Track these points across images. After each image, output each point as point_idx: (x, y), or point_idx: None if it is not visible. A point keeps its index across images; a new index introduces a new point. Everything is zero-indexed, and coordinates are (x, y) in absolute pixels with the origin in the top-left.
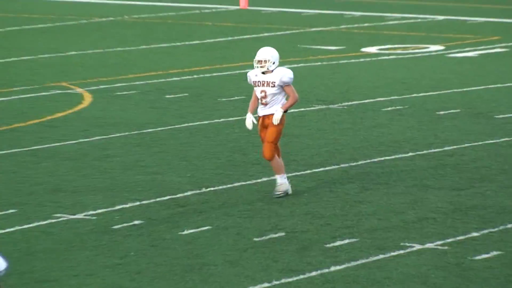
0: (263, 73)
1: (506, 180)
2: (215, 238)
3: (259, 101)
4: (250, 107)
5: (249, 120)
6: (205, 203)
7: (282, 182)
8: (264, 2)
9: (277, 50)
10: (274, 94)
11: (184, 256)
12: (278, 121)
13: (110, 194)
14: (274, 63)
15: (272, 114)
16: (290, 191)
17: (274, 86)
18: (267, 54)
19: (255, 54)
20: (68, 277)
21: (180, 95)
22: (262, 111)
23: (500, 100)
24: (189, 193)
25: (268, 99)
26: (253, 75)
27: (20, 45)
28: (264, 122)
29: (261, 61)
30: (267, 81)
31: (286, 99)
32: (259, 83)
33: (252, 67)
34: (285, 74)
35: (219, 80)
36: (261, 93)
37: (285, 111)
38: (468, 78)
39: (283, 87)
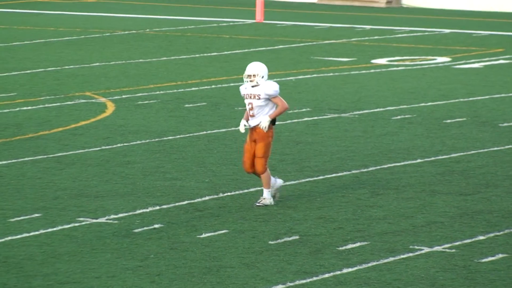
0: (252, 86)
1: (511, 185)
2: (232, 241)
3: (248, 112)
4: (245, 115)
5: (241, 124)
6: (222, 208)
7: (267, 197)
8: (279, 16)
9: (292, 61)
10: (260, 106)
11: (202, 258)
12: (266, 128)
13: (131, 199)
14: (263, 77)
15: (259, 126)
16: (272, 203)
17: (259, 98)
18: (256, 68)
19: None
20: (90, 279)
21: (199, 104)
22: (250, 122)
23: (505, 109)
24: (207, 198)
25: (254, 111)
26: (243, 88)
27: (46, 57)
28: (252, 134)
29: (250, 75)
30: (253, 94)
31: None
32: (247, 96)
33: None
34: (269, 87)
35: (235, 89)
36: (248, 105)
37: (274, 120)
38: (473, 88)
39: (269, 99)
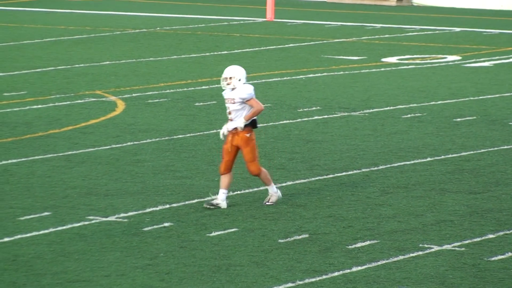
0: (231, 90)
1: None
2: (241, 239)
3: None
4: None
5: (221, 133)
6: (232, 206)
7: (273, 193)
8: (289, 14)
9: (302, 60)
10: (237, 110)
11: (211, 257)
12: (242, 128)
13: (141, 197)
14: (240, 80)
15: (238, 130)
16: (280, 196)
17: (234, 102)
18: (232, 71)
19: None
20: (100, 278)
21: (209, 102)
22: (228, 126)
23: None
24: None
25: (232, 115)
26: (224, 93)
27: (56, 55)
28: (234, 139)
29: (227, 78)
30: (229, 98)
31: None
32: (226, 100)
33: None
34: (243, 90)
35: None
36: (227, 109)
37: (254, 124)
38: (483, 86)
39: (244, 103)
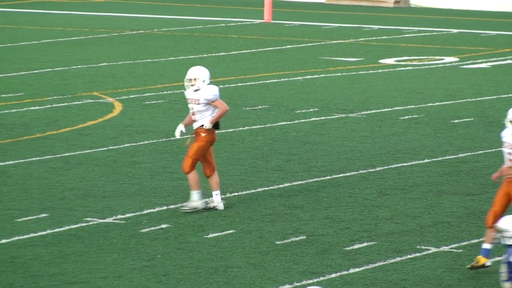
0: (194, 91)
1: None
2: (238, 241)
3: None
4: (185, 120)
5: (178, 130)
6: (229, 208)
7: (194, 199)
8: (287, 16)
9: (299, 61)
10: (201, 111)
11: (209, 258)
12: (207, 127)
13: (138, 199)
14: (204, 81)
15: (200, 128)
16: (199, 207)
17: (199, 103)
18: (196, 72)
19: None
20: (97, 279)
21: None
22: (193, 125)
23: None
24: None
25: (196, 116)
26: (187, 93)
27: (54, 57)
28: (195, 137)
29: (191, 79)
30: (194, 99)
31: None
32: (189, 100)
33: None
34: (208, 91)
35: (243, 90)
36: (191, 110)
37: (217, 125)
38: (481, 88)
39: (209, 103)
